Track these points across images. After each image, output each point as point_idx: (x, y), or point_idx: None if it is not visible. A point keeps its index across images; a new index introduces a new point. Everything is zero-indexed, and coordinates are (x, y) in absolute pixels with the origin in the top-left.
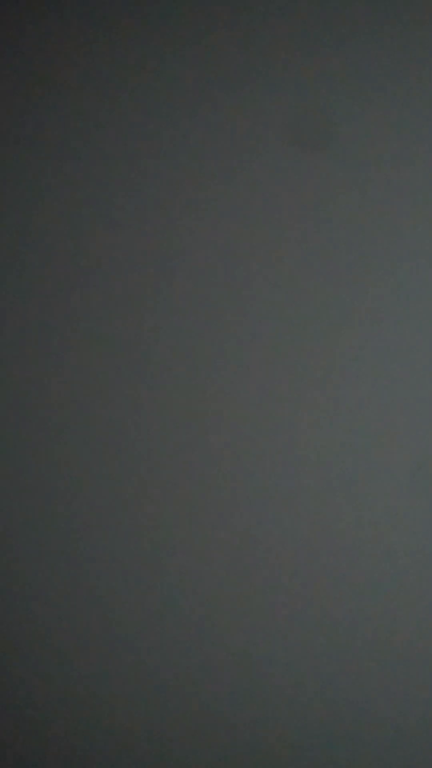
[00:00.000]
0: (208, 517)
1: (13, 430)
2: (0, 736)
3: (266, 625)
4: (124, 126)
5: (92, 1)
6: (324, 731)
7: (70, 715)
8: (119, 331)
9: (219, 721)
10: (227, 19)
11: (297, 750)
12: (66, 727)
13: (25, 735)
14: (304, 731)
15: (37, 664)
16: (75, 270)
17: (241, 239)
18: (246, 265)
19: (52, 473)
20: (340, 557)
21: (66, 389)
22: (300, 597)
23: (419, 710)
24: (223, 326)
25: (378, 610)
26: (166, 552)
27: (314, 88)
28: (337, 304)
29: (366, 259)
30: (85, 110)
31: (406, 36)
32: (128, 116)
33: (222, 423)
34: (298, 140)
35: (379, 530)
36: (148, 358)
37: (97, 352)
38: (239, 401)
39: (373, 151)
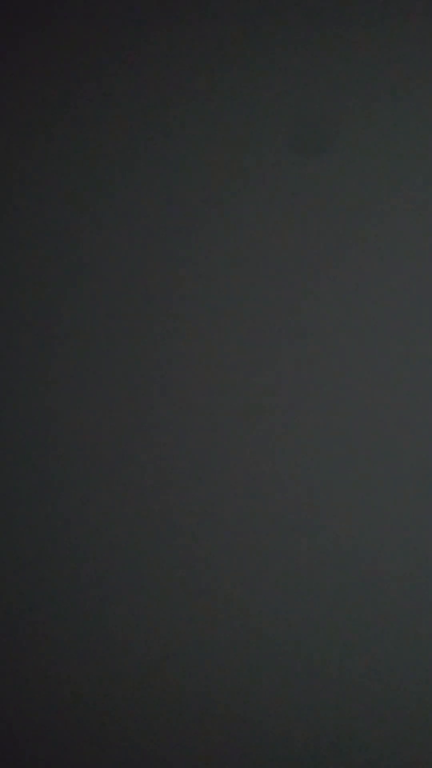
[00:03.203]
0: (207, 514)
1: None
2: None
3: (267, 629)
4: (124, 126)
5: (91, 4)
6: (323, 736)
7: (67, 715)
8: (118, 335)
9: (217, 728)
10: (228, 22)
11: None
12: (62, 728)
13: (22, 737)
14: (303, 737)
15: (34, 666)
16: (74, 277)
17: (241, 244)
18: (246, 269)
19: (50, 473)
20: (342, 562)
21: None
22: (301, 600)
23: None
24: (223, 328)
25: (379, 613)
26: (166, 555)
27: (315, 93)
28: (337, 309)
29: (366, 262)
30: (85, 111)
31: (407, 38)
32: (128, 116)
33: (222, 425)
34: (299, 145)
35: (380, 530)
36: (146, 366)
37: (97, 354)
38: (239, 408)
39: (375, 155)
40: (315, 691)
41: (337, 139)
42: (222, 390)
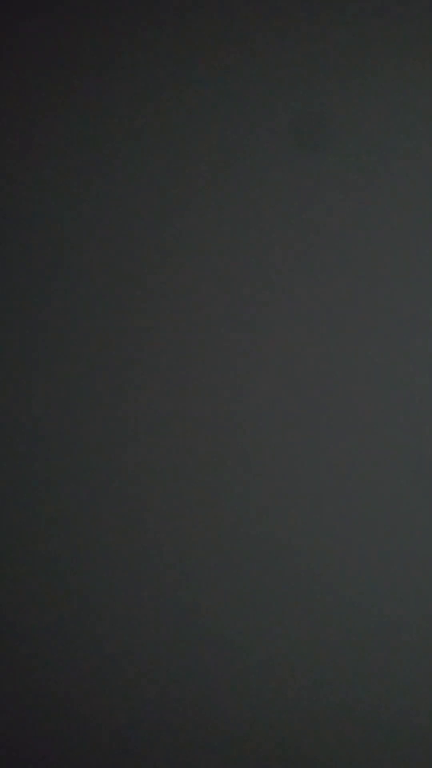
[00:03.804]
0: (205, 515)
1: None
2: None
3: (266, 632)
4: (123, 125)
5: (91, 4)
6: (323, 739)
7: (67, 717)
8: (116, 335)
9: (216, 729)
10: (227, 21)
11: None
12: (61, 727)
13: (22, 734)
14: (302, 740)
15: (33, 669)
16: (74, 276)
17: (239, 240)
18: (245, 265)
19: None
20: (342, 563)
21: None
22: (302, 602)
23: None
24: (221, 327)
25: (379, 615)
26: (166, 560)
27: (314, 89)
28: (336, 305)
29: (366, 259)
30: (83, 110)
31: (406, 38)
32: (128, 112)
33: (221, 425)
34: (298, 141)
35: (380, 532)
36: (145, 365)
37: (94, 353)
38: (238, 405)
39: (373, 152)
40: (316, 704)
41: (337, 135)
42: (221, 390)
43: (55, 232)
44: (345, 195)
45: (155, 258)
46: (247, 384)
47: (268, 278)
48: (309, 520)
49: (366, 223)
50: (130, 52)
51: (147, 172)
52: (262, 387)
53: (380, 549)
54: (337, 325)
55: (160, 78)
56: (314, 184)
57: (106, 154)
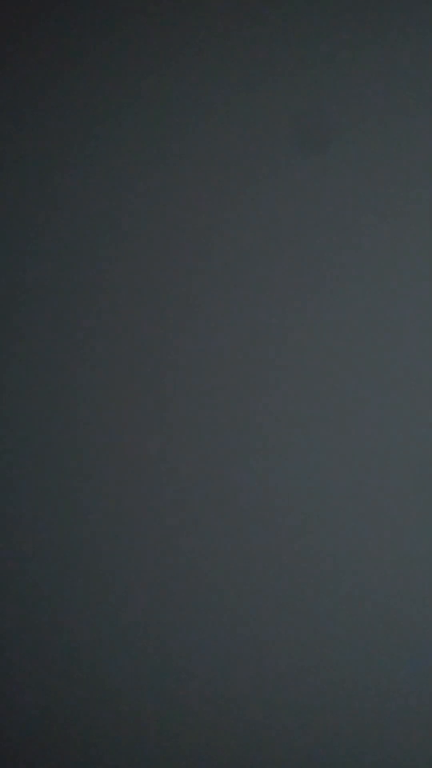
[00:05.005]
0: (206, 518)
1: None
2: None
3: (268, 635)
4: (126, 127)
5: (92, 5)
6: (325, 740)
7: (71, 716)
8: (118, 333)
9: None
10: (229, 23)
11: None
12: (66, 724)
13: (25, 734)
14: (305, 739)
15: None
16: (76, 276)
17: (242, 240)
18: (246, 265)
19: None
20: (341, 564)
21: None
22: (301, 603)
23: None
24: (222, 327)
25: (379, 617)
26: (169, 563)
27: (316, 90)
28: (337, 306)
29: (366, 259)
30: (84, 110)
31: (406, 38)
32: (128, 117)
33: (222, 425)
34: (300, 142)
35: (381, 534)
36: (147, 368)
37: (96, 351)
38: (240, 405)
39: (374, 152)
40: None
41: (339, 136)
42: (222, 393)
43: (58, 245)
44: (347, 195)
45: (155, 258)
46: (247, 389)
47: (269, 278)
48: (310, 523)
49: (368, 223)
50: (131, 52)
51: (148, 173)
52: (262, 397)
53: (381, 550)
54: (338, 324)
55: (161, 79)
56: (316, 183)
57: (107, 152)
